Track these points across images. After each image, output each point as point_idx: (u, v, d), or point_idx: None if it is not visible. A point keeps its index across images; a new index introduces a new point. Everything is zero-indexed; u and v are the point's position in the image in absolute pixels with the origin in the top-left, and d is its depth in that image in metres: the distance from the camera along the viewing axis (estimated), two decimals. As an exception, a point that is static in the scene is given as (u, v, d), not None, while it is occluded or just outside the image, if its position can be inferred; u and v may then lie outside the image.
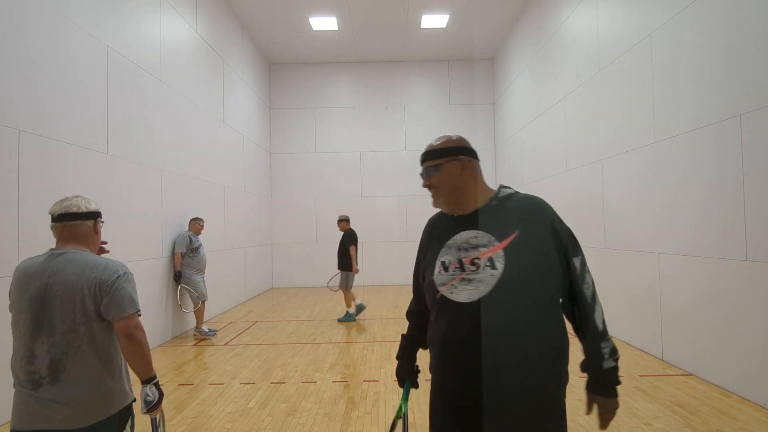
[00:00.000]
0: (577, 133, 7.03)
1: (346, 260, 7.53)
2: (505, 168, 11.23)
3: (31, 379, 1.76)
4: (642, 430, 3.32)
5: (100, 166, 4.90)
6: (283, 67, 12.12)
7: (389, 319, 7.58)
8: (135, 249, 5.53)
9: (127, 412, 1.94)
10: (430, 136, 12.05)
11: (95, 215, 1.96)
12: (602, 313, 1.54)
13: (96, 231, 1.98)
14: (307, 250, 11.95)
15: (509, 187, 1.63)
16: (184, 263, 6.38)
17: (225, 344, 6.11)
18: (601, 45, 6.16)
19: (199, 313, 6.55)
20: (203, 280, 6.65)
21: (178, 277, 6.28)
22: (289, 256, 11.97)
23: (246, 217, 9.91)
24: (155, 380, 1.91)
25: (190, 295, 6.45)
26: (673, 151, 4.70)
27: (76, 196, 1.95)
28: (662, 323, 4.92)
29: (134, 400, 1.99)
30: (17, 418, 1.77)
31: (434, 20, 9.91)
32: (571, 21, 7.16)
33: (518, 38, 9.95)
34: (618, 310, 5.87)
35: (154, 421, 1.96)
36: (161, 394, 1.92)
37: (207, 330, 6.51)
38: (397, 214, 12.00)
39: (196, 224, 6.69)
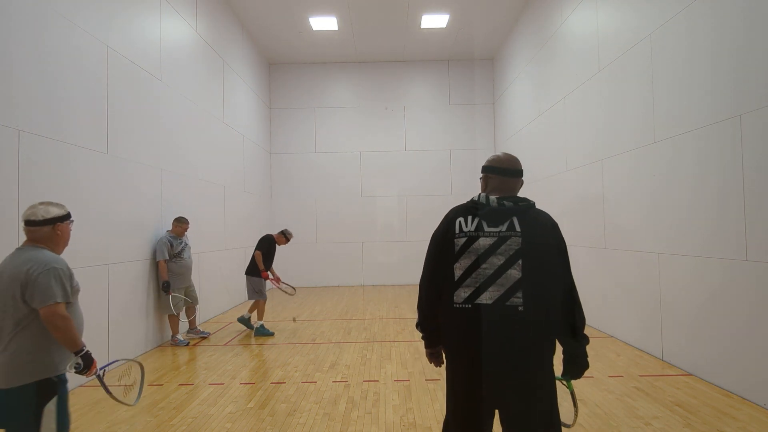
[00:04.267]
0: (577, 133, 7.03)
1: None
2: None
3: None
4: (642, 430, 3.32)
5: (100, 166, 4.90)
6: (283, 67, 12.12)
7: (389, 319, 7.58)
8: (136, 249, 5.53)
9: (47, 386, 2.22)
10: (430, 136, 12.09)
11: (53, 221, 2.37)
12: None
13: (57, 234, 2.39)
14: (307, 250, 11.95)
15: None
16: (168, 270, 5.86)
17: (225, 344, 6.11)
18: (601, 45, 6.16)
19: (189, 319, 6.27)
20: (189, 288, 6.19)
21: (166, 287, 5.78)
22: (288, 256, 11.95)
23: (246, 217, 9.92)
24: (82, 352, 2.29)
25: (184, 303, 6.08)
26: (673, 151, 4.70)
27: (42, 204, 2.38)
28: (662, 323, 4.92)
29: (61, 379, 2.29)
30: None
31: (434, 20, 9.91)
32: (571, 21, 7.16)
33: (518, 38, 9.95)
34: (618, 310, 5.87)
35: (99, 377, 2.39)
36: (87, 362, 2.30)
37: (181, 338, 6.07)
38: (397, 213, 12.00)
39: (178, 226, 6.09)
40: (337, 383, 4.48)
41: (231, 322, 7.50)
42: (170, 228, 6.20)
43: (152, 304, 5.92)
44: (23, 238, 3.78)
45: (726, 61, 3.99)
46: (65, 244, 2.46)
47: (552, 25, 7.94)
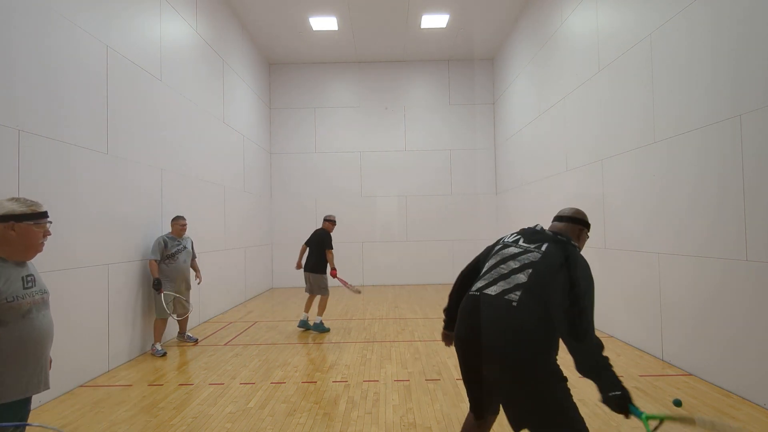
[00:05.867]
0: (577, 133, 7.03)
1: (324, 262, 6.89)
2: (505, 168, 11.23)
3: None
4: (642, 430, 3.32)
5: (100, 166, 4.90)
6: (283, 67, 12.12)
7: (389, 319, 7.58)
8: (136, 249, 5.53)
9: None
10: (430, 136, 12.10)
11: (5, 219, 1.98)
12: None
13: (10, 234, 2.00)
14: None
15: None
16: (159, 270, 5.63)
17: (225, 344, 6.11)
18: (601, 45, 6.16)
19: (183, 323, 6.03)
20: (178, 292, 5.81)
21: (157, 285, 5.51)
22: (289, 256, 11.94)
23: (246, 217, 9.92)
24: None
25: (179, 301, 5.80)
26: (673, 151, 4.70)
27: (5, 200, 2.03)
28: (662, 323, 4.92)
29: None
30: None
31: (434, 20, 9.91)
32: (571, 21, 7.16)
33: (518, 38, 9.96)
34: (618, 310, 5.87)
35: None
36: None
37: (159, 348, 5.58)
38: (397, 214, 12.00)
39: (176, 224, 5.89)
40: (337, 383, 4.48)
41: (231, 322, 7.50)
42: (171, 229, 5.98)
43: (152, 305, 5.88)
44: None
45: (726, 61, 3.99)
46: (28, 248, 2.06)
47: (552, 25, 7.95)
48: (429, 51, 11.58)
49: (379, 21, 9.92)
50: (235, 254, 9.22)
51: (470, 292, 2.25)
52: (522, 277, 2.11)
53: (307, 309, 6.90)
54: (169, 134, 6.46)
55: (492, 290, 2.14)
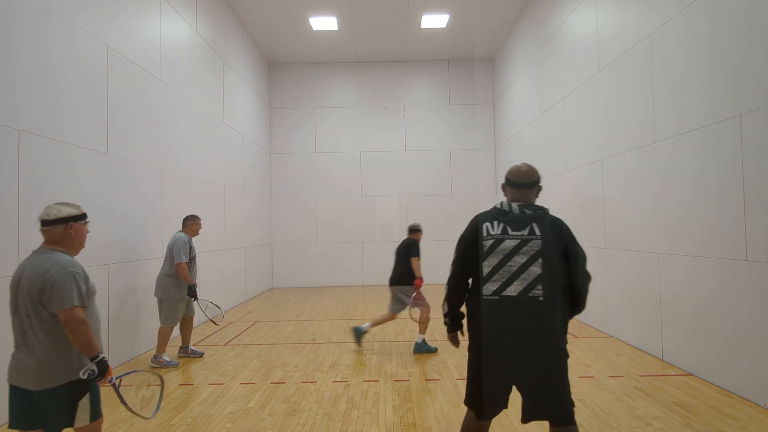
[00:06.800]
0: (577, 133, 7.03)
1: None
2: (505, 168, 11.22)
3: (15, 343, 2.32)
4: (642, 430, 3.32)
5: (100, 166, 4.90)
6: (283, 67, 12.12)
7: (389, 319, 7.57)
8: (135, 249, 5.53)
9: (80, 385, 2.30)
10: (430, 136, 12.10)
11: (65, 220, 2.36)
12: None
13: (69, 233, 2.38)
14: (307, 250, 11.95)
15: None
16: (173, 276, 5.15)
17: (225, 344, 6.11)
18: (601, 45, 6.16)
19: (187, 331, 5.48)
20: (190, 300, 5.36)
21: (192, 292, 5.12)
22: (289, 256, 11.96)
23: (246, 217, 9.92)
24: (97, 358, 2.27)
25: (185, 313, 5.34)
26: (673, 151, 4.70)
27: (56, 204, 2.39)
28: (662, 323, 4.92)
29: (93, 377, 2.28)
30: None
31: (434, 20, 9.91)
32: (571, 21, 7.16)
33: (518, 38, 9.96)
34: (618, 309, 5.87)
35: (114, 386, 2.38)
36: (102, 369, 2.28)
37: (168, 359, 5.15)
38: (397, 214, 12.00)
39: (195, 224, 5.47)
40: (337, 383, 4.48)
41: (231, 322, 7.50)
42: (181, 228, 5.48)
43: (152, 305, 5.79)
44: (23, 238, 3.82)
45: (726, 61, 3.99)
46: (80, 245, 2.45)
47: (552, 25, 7.94)
48: (429, 51, 11.58)
49: (379, 21, 9.91)
50: (235, 254, 9.22)
51: (486, 297, 2.19)
52: (536, 270, 2.14)
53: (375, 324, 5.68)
54: (169, 134, 6.46)
55: (511, 291, 2.14)
